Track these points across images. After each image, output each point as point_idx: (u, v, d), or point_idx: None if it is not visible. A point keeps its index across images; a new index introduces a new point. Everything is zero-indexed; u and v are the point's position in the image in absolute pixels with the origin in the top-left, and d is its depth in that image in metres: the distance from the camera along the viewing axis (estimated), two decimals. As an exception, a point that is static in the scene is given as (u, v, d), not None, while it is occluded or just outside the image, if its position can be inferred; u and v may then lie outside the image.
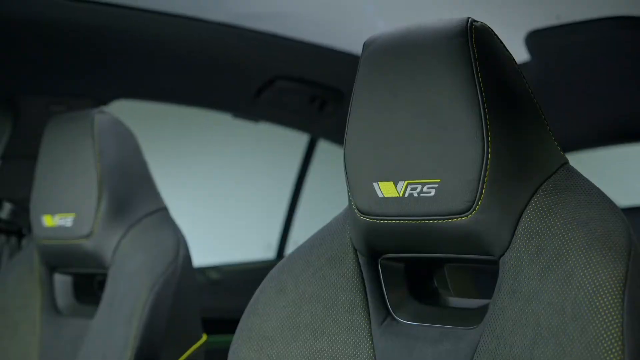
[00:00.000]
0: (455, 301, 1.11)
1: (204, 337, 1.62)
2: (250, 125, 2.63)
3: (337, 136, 2.70)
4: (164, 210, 1.68)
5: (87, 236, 1.63)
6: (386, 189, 1.04)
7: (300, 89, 2.39)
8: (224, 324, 2.40)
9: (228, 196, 3.36)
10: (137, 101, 2.26)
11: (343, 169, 1.09)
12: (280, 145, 3.12)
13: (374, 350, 1.08)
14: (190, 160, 3.27)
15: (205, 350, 1.65)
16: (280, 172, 3.14)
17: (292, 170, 2.99)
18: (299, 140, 2.87)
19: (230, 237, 3.27)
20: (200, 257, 2.26)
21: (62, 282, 1.77)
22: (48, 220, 1.70)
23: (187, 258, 1.60)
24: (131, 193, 1.65)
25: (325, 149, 2.88)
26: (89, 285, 1.78)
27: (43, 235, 1.72)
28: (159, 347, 1.49)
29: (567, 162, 1.02)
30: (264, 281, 1.20)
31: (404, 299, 1.11)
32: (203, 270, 2.69)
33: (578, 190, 0.97)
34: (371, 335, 1.09)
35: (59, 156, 1.69)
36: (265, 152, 3.35)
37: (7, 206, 2.02)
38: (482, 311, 1.02)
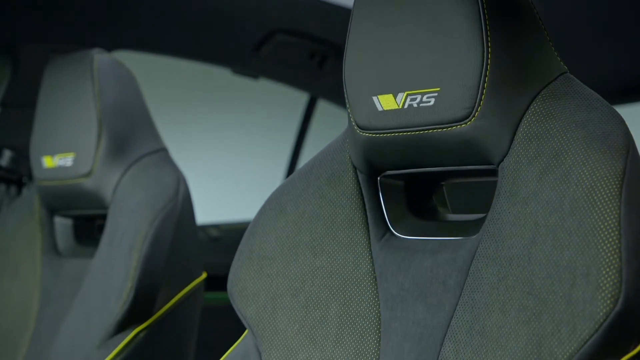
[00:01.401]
0: (454, 217, 1.12)
1: (204, 275, 1.62)
2: (250, 84, 2.63)
3: (337, 96, 2.70)
4: (164, 150, 1.69)
5: (87, 175, 1.63)
6: (386, 102, 1.04)
7: (300, 43, 2.39)
8: (223, 281, 2.41)
9: (228, 156, 3.36)
10: (137, 52, 2.25)
11: (344, 118, 1.09)
12: (280, 105, 3.13)
13: (373, 265, 1.09)
14: (189, 120, 3.27)
15: (204, 306, 1.65)
16: (280, 132, 3.14)
17: (292, 130, 2.99)
18: (299, 99, 2.87)
19: (230, 197, 3.27)
20: (200, 216, 2.26)
21: (62, 225, 1.78)
22: (48, 162, 1.70)
23: (188, 197, 1.60)
24: (131, 132, 1.65)
25: (325, 111, 2.88)
26: (89, 228, 1.79)
27: (43, 176, 1.72)
28: (159, 280, 1.49)
29: (566, 71, 1.02)
30: (264, 204, 1.21)
31: (403, 215, 1.12)
32: (203, 227, 2.69)
33: (577, 95, 0.98)
34: (370, 250, 1.10)
35: (58, 97, 1.70)
36: (265, 112, 3.35)
37: (7, 154, 2.02)
38: (481, 221, 1.02)
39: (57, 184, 1.69)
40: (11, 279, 1.77)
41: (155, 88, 2.45)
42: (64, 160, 1.67)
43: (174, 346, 1.55)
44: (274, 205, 1.19)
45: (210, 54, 2.40)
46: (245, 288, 1.18)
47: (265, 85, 2.63)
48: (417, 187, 1.13)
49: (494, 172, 1.01)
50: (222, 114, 3.38)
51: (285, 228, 1.16)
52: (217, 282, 2.43)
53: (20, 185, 2.07)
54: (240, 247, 1.21)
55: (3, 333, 1.73)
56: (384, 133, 1.05)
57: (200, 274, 1.62)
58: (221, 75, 2.54)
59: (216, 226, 2.75)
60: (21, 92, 2.00)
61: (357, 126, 1.08)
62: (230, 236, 2.74)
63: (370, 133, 1.07)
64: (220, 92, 3.16)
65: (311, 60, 2.50)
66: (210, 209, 2.89)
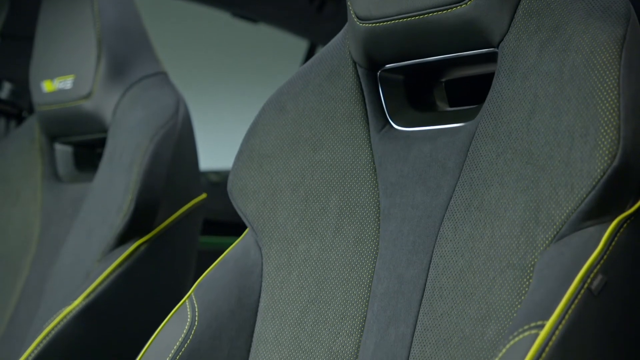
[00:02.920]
0: (454, 108, 1.12)
1: (204, 195, 1.62)
2: (249, 28, 2.62)
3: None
4: (163, 74, 1.69)
5: (87, 96, 1.63)
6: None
7: (300, -16, 2.39)
8: (222, 226, 2.42)
9: (228, 103, 3.36)
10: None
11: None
12: (279, 52, 3.12)
13: (372, 156, 1.09)
14: (187, 66, 3.26)
15: (203, 215, 1.66)
16: (279, 78, 3.13)
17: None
18: (299, 46, 2.87)
19: (229, 144, 3.27)
20: (201, 162, 2.27)
21: (62, 152, 1.78)
22: (48, 86, 1.70)
23: (187, 118, 1.60)
24: (131, 54, 1.65)
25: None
26: (90, 155, 1.79)
27: (43, 101, 1.72)
28: (159, 195, 1.50)
29: None
30: (264, 104, 1.21)
31: (402, 108, 1.12)
32: (204, 173, 2.70)
33: None
34: (370, 142, 1.10)
35: (57, 21, 1.70)
36: (264, 60, 3.35)
37: (7, 86, 2.02)
38: (480, 107, 1.02)
39: (57, 107, 1.69)
40: (12, 206, 1.77)
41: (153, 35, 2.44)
42: (64, 83, 1.67)
43: (175, 262, 1.55)
44: (273, 104, 1.19)
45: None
46: (246, 186, 1.19)
47: (265, 30, 2.63)
48: (416, 82, 1.13)
49: (494, 57, 1.01)
50: (219, 61, 3.38)
51: (285, 126, 1.16)
52: (218, 227, 2.44)
53: (20, 119, 2.07)
54: (240, 148, 1.21)
55: (4, 258, 1.74)
56: (383, 21, 1.05)
57: (200, 194, 1.62)
58: (220, 17, 2.53)
59: (216, 172, 2.76)
60: (20, 24, 2.00)
61: (357, 18, 1.08)
62: (230, 182, 2.75)
63: (370, 23, 1.06)
64: (218, 38, 3.15)
65: (311, 4, 2.50)
66: (210, 155, 2.89)
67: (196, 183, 1.61)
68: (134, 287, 1.46)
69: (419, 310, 0.98)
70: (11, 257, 1.72)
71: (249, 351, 1.12)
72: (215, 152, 3.03)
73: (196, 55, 3.29)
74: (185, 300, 1.15)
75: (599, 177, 0.84)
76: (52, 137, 1.77)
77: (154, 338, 1.13)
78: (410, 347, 0.97)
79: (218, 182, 2.71)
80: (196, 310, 1.12)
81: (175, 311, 1.14)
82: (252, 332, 1.13)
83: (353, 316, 1.04)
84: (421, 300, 0.98)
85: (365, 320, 1.03)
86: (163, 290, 1.52)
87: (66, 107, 1.67)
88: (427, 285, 0.98)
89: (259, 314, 1.13)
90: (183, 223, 1.55)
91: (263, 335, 1.12)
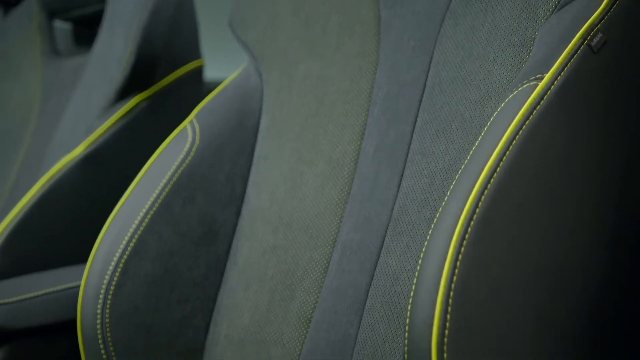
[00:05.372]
0: None
1: (202, 61, 1.62)
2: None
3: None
4: None
5: None
6: None
7: None
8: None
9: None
10: None
11: None
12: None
13: None
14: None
15: (202, 83, 1.65)
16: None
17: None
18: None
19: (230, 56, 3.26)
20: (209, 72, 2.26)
21: (62, 29, 1.77)
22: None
23: None
24: None
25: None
26: (89, 33, 1.78)
27: (41, -26, 1.71)
28: (159, 51, 1.49)
29: None
30: None
31: None
32: (210, 83, 2.69)
33: None
34: None
35: None
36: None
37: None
38: None
39: None
40: (12, 82, 1.77)
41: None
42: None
43: (175, 122, 1.55)
44: None
45: None
46: (246, 16, 1.18)
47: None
48: None
49: None
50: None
51: None
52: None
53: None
54: None
55: (4, 133, 1.74)
56: None
57: (199, 58, 1.62)
58: None
59: (217, 82, 2.76)
60: None
61: None
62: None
63: None
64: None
65: None
66: (220, 65, 2.88)
67: (195, 47, 1.60)
68: (134, 140, 1.46)
69: (418, 109, 0.98)
70: (12, 130, 1.72)
71: (249, 169, 1.13)
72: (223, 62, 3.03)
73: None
74: (186, 124, 1.15)
75: None
76: (51, 13, 1.77)
77: (154, 157, 1.13)
78: (410, 143, 0.97)
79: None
80: (197, 131, 1.13)
81: (175, 134, 1.15)
82: (253, 151, 1.13)
83: (353, 125, 1.04)
84: (421, 99, 0.98)
85: (365, 127, 1.03)
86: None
87: None
88: (427, 83, 0.98)
89: (259, 133, 1.13)
90: (182, 85, 1.55)
91: (263, 152, 1.12)
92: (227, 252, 1.10)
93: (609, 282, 0.81)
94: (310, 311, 0.99)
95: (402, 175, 0.97)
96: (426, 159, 0.94)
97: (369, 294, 0.94)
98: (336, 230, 1.01)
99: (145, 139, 1.45)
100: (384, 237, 0.95)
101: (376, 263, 0.95)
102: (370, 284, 0.94)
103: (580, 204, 0.78)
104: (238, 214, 1.11)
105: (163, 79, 1.51)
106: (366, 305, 0.94)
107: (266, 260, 1.05)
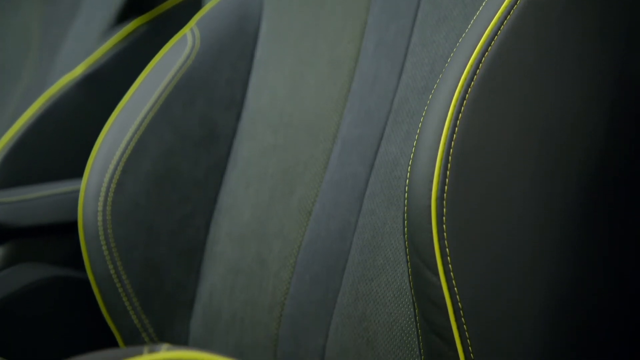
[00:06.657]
0: None
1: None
2: None
3: None
4: None
5: None
6: None
7: None
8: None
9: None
10: None
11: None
12: None
13: None
14: None
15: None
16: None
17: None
18: None
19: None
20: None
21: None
22: None
23: None
24: None
25: None
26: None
27: None
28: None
29: None
30: None
31: None
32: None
33: None
34: None
35: None
36: None
37: None
38: None
39: None
40: (11, 16, 1.76)
41: None
42: None
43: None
44: None
45: None
46: None
47: None
48: None
49: None
50: None
51: None
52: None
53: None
54: None
55: (2, 66, 1.73)
56: None
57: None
58: None
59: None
60: None
61: None
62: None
63: None
64: None
65: None
66: None
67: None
68: (135, 63, 1.46)
69: (419, 1, 0.98)
70: (10, 63, 1.72)
71: (249, 74, 1.13)
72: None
73: None
74: (185, 31, 1.15)
75: None
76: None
77: (154, 62, 1.13)
78: (411, 36, 0.97)
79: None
80: (197, 36, 1.13)
81: (176, 39, 1.15)
82: (253, 56, 1.13)
83: (353, 25, 1.04)
84: None
85: (365, 26, 1.03)
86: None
87: None
88: None
89: (259, 39, 1.14)
90: (182, 13, 1.55)
91: (264, 57, 1.12)
92: (228, 154, 1.10)
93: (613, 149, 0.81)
94: (311, 204, 0.99)
95: (402, 67, 0.97)
96: (427, 49, 0.94)
97: (369, 182, 0.94)
98: (336, 127, 1.01)
99: (146, 61, 1.45)
100: (384, 128, 0.95)
101: (376, 153, 0.95)
102: (370, 174, 0.95)
103: (580, 63, 0.78)
104: (238, 117, 1.12)
105: (164, 3, 1.50)
106: (366, 193, 0.94)
107: (266, 160, 1.06)
